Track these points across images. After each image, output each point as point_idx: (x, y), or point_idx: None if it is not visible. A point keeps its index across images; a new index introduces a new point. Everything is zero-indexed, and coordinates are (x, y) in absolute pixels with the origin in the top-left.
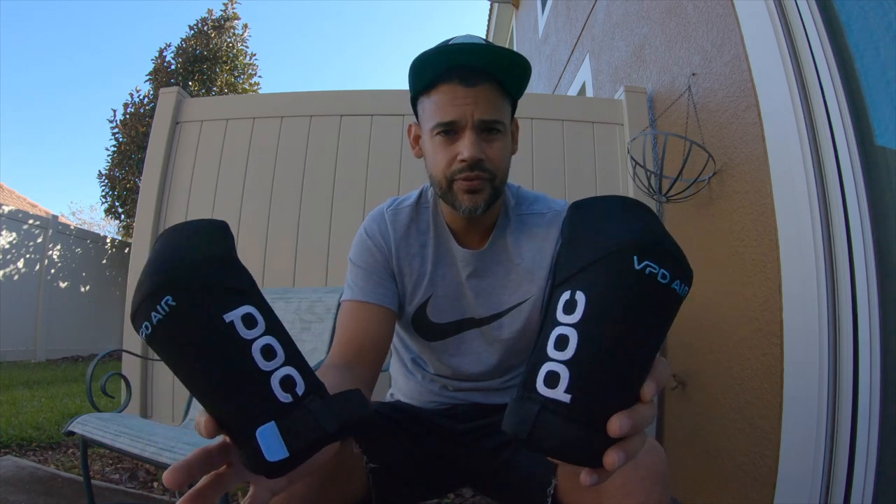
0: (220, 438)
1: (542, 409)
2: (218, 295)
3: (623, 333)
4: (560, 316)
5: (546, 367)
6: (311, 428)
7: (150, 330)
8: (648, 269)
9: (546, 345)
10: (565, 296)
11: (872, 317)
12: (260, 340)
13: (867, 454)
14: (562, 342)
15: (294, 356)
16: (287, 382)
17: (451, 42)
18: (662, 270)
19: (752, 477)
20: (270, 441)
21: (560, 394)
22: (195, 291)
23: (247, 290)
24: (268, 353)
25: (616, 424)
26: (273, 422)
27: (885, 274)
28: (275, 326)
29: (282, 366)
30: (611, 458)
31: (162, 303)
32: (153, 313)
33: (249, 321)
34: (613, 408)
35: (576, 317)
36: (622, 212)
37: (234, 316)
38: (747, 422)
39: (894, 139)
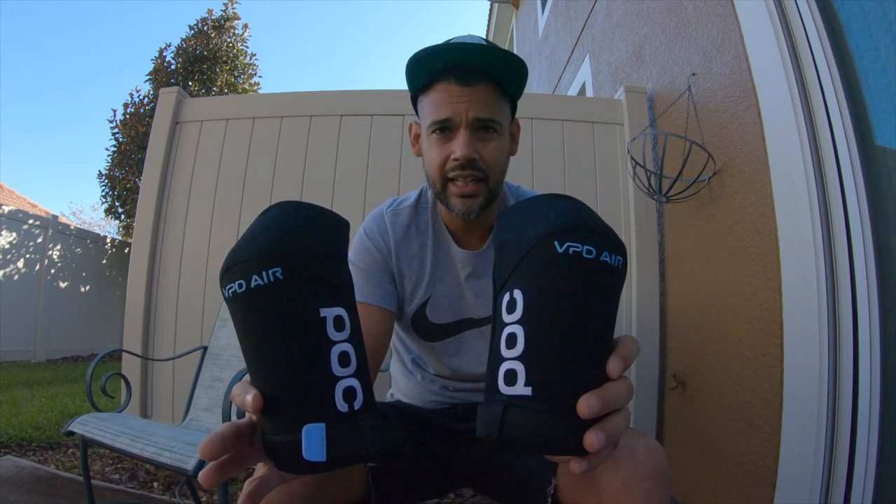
0: (247, 417)
1: (507, 407)
2: (322, 288)
3: (565, 317)
4: (505, 317)
5: (503, 367)
6: (354, 443)
7: (242, 290)
8: (571, 249)
9: (499, 347)
10: (506, 297)
11: (872, 317)
12: (341, 345)
13: (867, 454)
14: (511, 340)
15: (362, 369)
16: (349, 393)
17: (449, 42)
18: (587, 247)
19: (752, 477)
20: (314, 441)
21: (521, 388)
22: (305, 277)
23: (346, 292)
24: (343, 359)
25: (584, 405)
26: (324, 424)
27: (885, 274)
28: (356, 335)
29: (350, 376)
30: (590, 439)
31: (270, 272)
32: (255, 277)
33: (339, 323)
34: (577, 390)
35: (518, 314)
36: (541, 206)
37: (329, 313)
38: (747, 422)
39: (894, 139)
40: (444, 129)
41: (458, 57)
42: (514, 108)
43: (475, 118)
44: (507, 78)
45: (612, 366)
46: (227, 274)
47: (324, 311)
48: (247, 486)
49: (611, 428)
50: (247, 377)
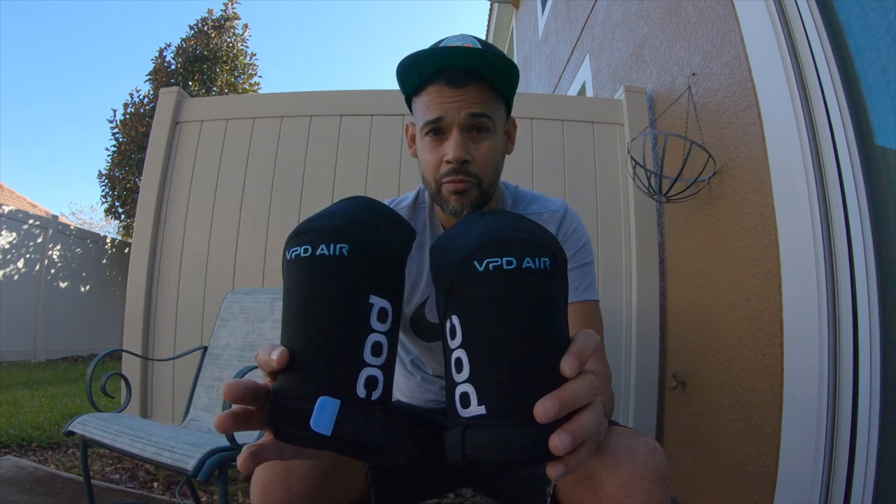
0: (264, 382)
1: (465, 429)
2: (379, 277)
3: (501, 331)
4: (449, 343)
5: (457, 392)
6: (362, 430)
7: (308, 254)
8: (491, 264)
9: (451, 373)
10: (447, 325)
11: (872, 317)
12: (378, 336)
13: (867, 455)
14: (458, 364)
15: (389, 365)
16: (371, 382)
17: (440, 43)
18: (506, 258)
19: (752, 477)
20: (325, 413)
21: (475, 409)
22: (367, 262)
23: (397, 291)
24: (376, 349)
25: (539, 410)
26: (339, 401)
27: (885, 274)
28: (393, 333)
29: (377, 367)
30: (553, 442)
31: (337, 246)
32: (322, 245)
33: (383, 315)
34: (532, 398)
35: (459, 338)
36: (463, 229)
37: (377, 302)
38: (747, 422)
39: (894, 139)
40: (437, 129)
41: (448, 59)
42: (509, 107)
43: (468, 114)
44: (498, 77)
45: (566, 365)
46: (295, 238)
47: (373, 299)
48: (246, 448)
49: (576, 427)
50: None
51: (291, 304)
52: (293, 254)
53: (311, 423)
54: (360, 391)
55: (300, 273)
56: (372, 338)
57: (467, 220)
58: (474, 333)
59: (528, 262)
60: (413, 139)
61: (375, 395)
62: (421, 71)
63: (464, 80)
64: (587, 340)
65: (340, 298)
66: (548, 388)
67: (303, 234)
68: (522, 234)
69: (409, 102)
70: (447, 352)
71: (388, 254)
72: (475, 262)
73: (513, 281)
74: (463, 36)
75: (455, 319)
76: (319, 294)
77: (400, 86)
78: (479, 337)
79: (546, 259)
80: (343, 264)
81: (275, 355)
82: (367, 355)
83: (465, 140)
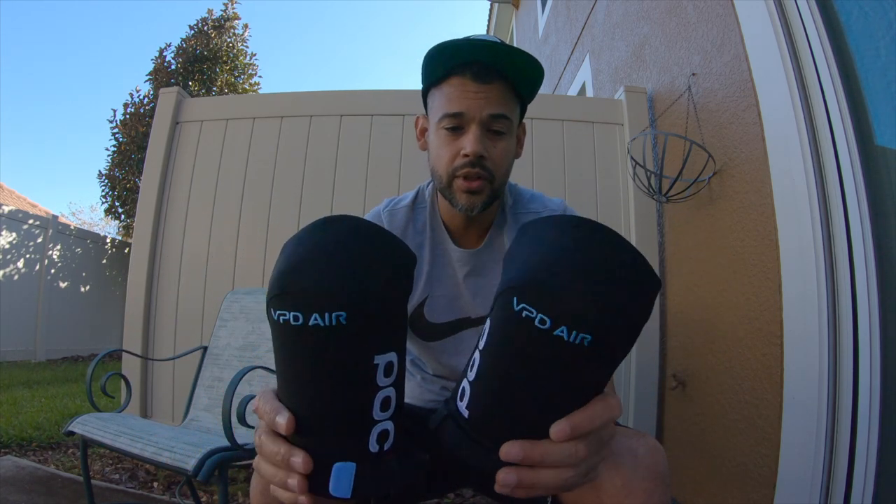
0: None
1: (447, 416)
2: (381, 335)
3: (510, 372)
4: (479, 341)
5: (462, 381)
6: (379, 482)
7: (298, 323)
8: (525, 311)
9: (466, 364)
10: (486, 324)
11: (872, 317)
12: (386, 391)
13: (867, 454)
14: (472, 363)
15: (398, 410)
16: (383, 436)
17: (469, 38)
18: (540, 315)
19: (752, 477)
20: (342, 479)
21: (462, 408)
22: (367, 325)
23: (401, 335)
24: (385, 404)
25: (504, 450)
26: (354, 464)
27: (885, 274)
28: (401, 377)
29: (387, 419)
30: (500, 475)
31: (333, 315)
32: (316, 315)
33: (389, 369)
34: (506, 435)
35: (482, 344)
36: (541, 237)
37: (382, 360)
38: (747, 422)
39: (894, 139)
40: (456, 124)
41: (477, 53)
42: (522, 112)
43: (489, 115)
44: (523, 80)
45: (554, 429)
46: (282, 299)
47: (378, 359)
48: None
49: (529, 477)
50: (272, 387)
51: (289, 367)
52: (281, 318)
53: (331, 489)
54: (373, 447)
55: (293, 340)
56: (380, 395)
57: (553, 224)
58: (490, 354)
59: (561, 331)
60: (423, 132)
61: (388, 444)
62: (448, 60)
63: (489, 77)
64: (598, 413)
65: (342, 369)
66: (524, 436)
67: (289, 295)
68: (581, 287)
69: (425, 94)
70: (475, 346)
71: (389, 303)
72: (514, 299)
73: (539, 342)
74: (487, 36)
75: (486, 327)
76: (318, 364)
77: (423, 74)
78: (492, 362)
79: (587, 336)
80: (342, 334)
81: (281, 420)
82: (377, 412)
83: (483, 137)
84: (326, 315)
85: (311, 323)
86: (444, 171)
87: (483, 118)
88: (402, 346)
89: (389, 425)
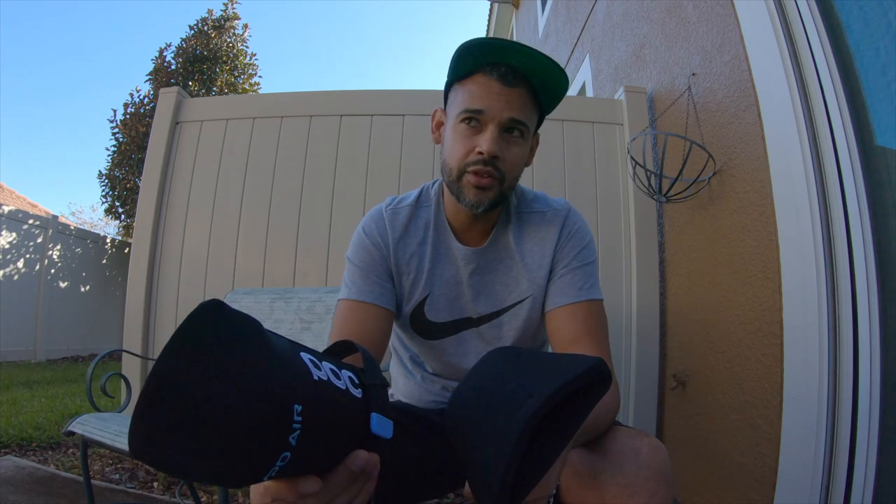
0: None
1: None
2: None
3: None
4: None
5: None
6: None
7: (291, 450)
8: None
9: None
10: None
11: (872, 317)
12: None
13: (867, 454)
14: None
15: (336, 364)
16: (353, 381)
17: (503, 40)
18: None
19: (752, 477)
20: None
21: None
22: (317, 401)
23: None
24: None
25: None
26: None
27: (885, 274)
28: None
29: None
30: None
31: (295, 415)
32: (290, 436)
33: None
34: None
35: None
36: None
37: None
38: (747, 422)
39: (894, 139)
40: (475, 120)
41: (508, 55)
42: (539, 122)
43: (509, 118)
44: (545, 89)
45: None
46: (263, 457)
47: (317, 375)
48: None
49: (350, 463)
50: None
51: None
52: (281, 465)
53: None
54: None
55: (312, 450)
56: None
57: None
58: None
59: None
60: (439, 126)
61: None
62: (478, 58)
63: (515, 81)
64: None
65: (331, 421)
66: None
67: (261, 447)
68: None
69: (448, 88)
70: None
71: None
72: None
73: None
74: (518, 44)
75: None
76: (332, 435)
77: (451, 68)
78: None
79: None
80: (311, 421)
81: (310, 484)
82: (336, 383)
83: (500, 138)
84: (294, 424)
85: (295, 443)
86: (455, 165)
87: (503, 120)
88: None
89: (345, 372)
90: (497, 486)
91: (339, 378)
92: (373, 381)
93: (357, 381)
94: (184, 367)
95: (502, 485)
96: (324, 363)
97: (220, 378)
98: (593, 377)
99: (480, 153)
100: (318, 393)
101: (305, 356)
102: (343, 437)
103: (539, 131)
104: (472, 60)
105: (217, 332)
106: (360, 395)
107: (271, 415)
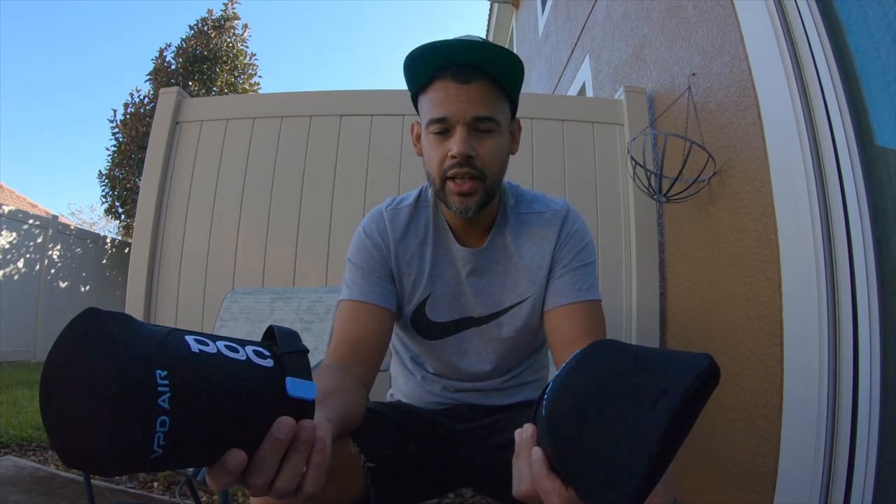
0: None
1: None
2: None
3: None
4: None
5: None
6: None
7: (167, 413)
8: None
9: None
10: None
11: (872, 317)
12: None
13: (867, 454)
14: None
15: (237, 341)
16: (259, 353)
17: (445, 40)
18: None
19: (752, 477)
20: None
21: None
22: (183, 376)
23: (160, 349)
24: (232, 349)
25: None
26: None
27: (885, 274)
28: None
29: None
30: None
31: (159, 379)
32: (159, 398)
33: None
34: None
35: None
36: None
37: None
38: (747, 421)
39: (894, 139)
40: (442, 128)
41: (453, 55)
42: (514, 107)
43: (473, 117)
44: (504, 75)
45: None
46: (137, 456)
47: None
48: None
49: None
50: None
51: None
52: (158, 453)
53: (289, 390)
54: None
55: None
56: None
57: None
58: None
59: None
60: (418, 138)
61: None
62: (426, 67)
63: (469, 76)
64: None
65: (219, 384)
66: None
67: (132, 436)
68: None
69: (415, 101)
70: None
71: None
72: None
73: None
74: (468, 36)
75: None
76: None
77: (407, 83)
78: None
79: None
80: (178, 387)
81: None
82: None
83: (470, 137)
84: (160, 404)
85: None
86: (435, 174)
87: (468, 120)
88: (168, 347)
89: (250, 347)
90: (638, 480)
91: (235, 352)
92: (286, 350)
93: (267, 354)
94: (62, 359)
95: (644, 478)
96: (218, 342)
97: (84, 357)
98: (714, 370)
99: (454, 156)
100: (194, 361)
101: (190, 338)
102: (249, 406)
103: (538, 131)
104: (423, 69)
105: (86, 326)
106: (270, 365)
107: (132, 377)
